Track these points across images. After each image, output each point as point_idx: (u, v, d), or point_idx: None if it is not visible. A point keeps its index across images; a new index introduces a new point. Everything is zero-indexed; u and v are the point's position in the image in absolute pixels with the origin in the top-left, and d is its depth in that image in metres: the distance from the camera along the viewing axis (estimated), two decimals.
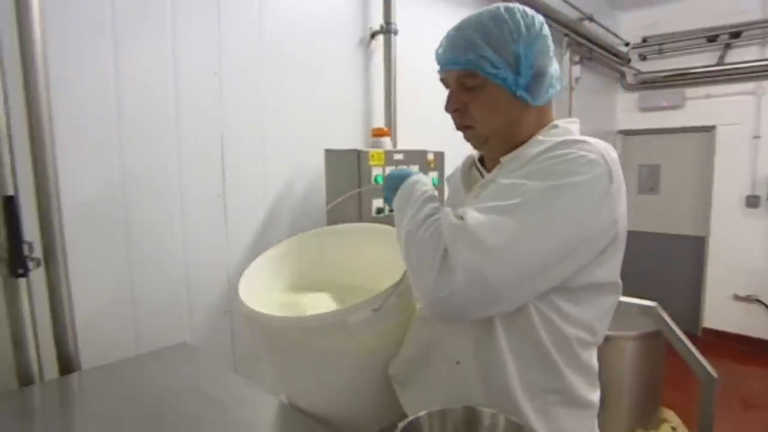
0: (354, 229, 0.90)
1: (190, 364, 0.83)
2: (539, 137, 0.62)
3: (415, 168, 1.16)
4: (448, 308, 0.53)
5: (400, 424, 0.38)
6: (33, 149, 0.77)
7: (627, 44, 2.82)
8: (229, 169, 1.04)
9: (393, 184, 0.69)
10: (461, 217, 0.54)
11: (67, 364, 0.82)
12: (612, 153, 0.59)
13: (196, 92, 0.99)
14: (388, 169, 1.14)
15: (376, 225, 0.89)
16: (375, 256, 0.82)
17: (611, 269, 0.61)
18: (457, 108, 0.64)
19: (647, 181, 3.03)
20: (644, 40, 2.85)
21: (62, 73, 0.81)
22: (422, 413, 0.41)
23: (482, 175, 0.68)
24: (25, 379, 0.77)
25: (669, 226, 2.95)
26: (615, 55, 2.68)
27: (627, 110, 3.00)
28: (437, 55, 0.64)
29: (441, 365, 0.62)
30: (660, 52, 2.81)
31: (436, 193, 0.65)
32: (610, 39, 2.63)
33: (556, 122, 0.65)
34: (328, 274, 0.86)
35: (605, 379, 0.66)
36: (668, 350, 1.47)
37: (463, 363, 0.60)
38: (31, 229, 0.76)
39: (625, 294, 0.66)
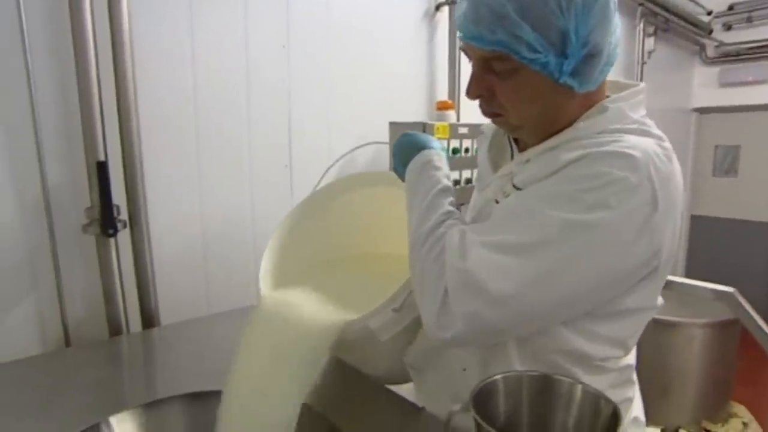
0: (381, 178, 0.77)
1: None
2: (581, 124, 0.52)
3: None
4: (450, 344, 0.49)
5: (475, 386, 0.40)
6: (120, 118, 0.83)
7: (709, 13, 2.64)
8: (295, 140, 1.08)
9: (403, 155, 0.60)
10: (464, 253, 0.46)
11: (149, 319, 0.89)
12: (664, 165, 0.48)
13: (265, 65, 1.03)
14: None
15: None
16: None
17: (648, 296, 0.53)
18: (481, 94, 0.54)
19: (723, 163, 2.86)
20: (731, 8, 2.65)
21: (144, 47, 0.87)
22: (498, 376, 0.42)
23: (512, 154, 0.59)
24: (114, 330, 0.85)
25: (748, 211, 2.78)
26: (694, 25, 2.52)
27: (704, 86, 2.82)
28: (457, 19, 0.51)
29: (447, 368, 0.60)
30: (749, 20, 2.61)
31: (449, 180, 0.57)
32: (690, 8, 2.47)
33: (606, 102, 0.52)
34: (357, 240, 0.83)
35: (670, 365, 0.62)
36: (742, 342, 1.40)
37: (469, 371, 0.57)
38: (117, 194, 0.83)
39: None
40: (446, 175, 0.57)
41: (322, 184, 0.82)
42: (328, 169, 0.85)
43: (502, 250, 0.46)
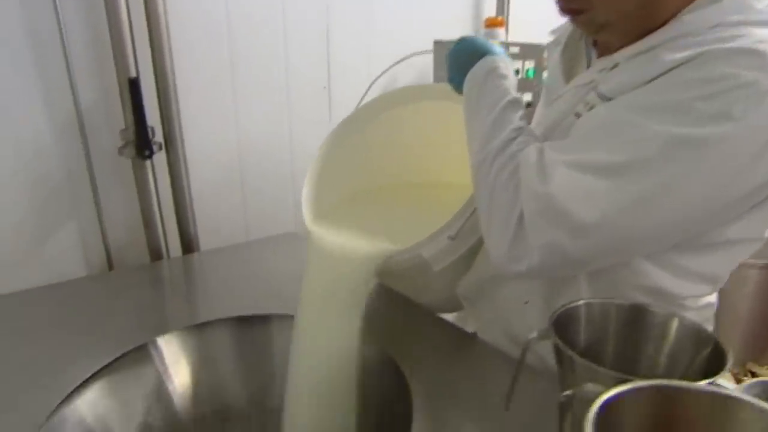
0: (432, 91, 0.70)
1: (298, 252, 0.88)
2: (688, 17, 0.42)
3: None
4: (522, 276, 0.44)
5: (554, 313, 0.37)
6: (151, 35, 0.79)
7: None
8: (334, 61, 1.03)
9: (461, 62, 0.52)
10: (544, 175, 0.39)
11: (188, 245, 0.90)
12: None
13: None
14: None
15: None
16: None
17: (756, 226, 0.45)
18: None
19: None
20: None
21: None
22: (580, 302, 0.40)
23: (589, 60, 0.52)
24: (155, 255, 0.85)
25: None
26: None
27: None
28: None
29: (505, 301, 0.56)
30: None
31: (517, 94, 0.49)
32: None
33: None
34: (403, 165, 0.78)
35: (721, 304, 0.57)
36: None
37: (531, 305, 0.53)
38: (151, 116, 0.81)
39: None
40: (514, 86, 0.50)
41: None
42: (369, 87, 0.80)
43: (590, 170, 0.39)
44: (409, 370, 0.53)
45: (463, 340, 0.61)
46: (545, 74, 0.59)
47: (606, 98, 0.44)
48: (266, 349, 0.62)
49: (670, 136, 0.38)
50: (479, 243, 0.59)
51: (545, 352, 0.51)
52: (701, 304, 0.52)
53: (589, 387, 0.30)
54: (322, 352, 0.56)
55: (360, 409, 0.56)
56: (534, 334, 0.37)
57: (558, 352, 0.36)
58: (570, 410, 0.33)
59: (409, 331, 0.62)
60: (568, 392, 0.32)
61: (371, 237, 0.63)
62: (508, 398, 0.41)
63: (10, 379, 0.53)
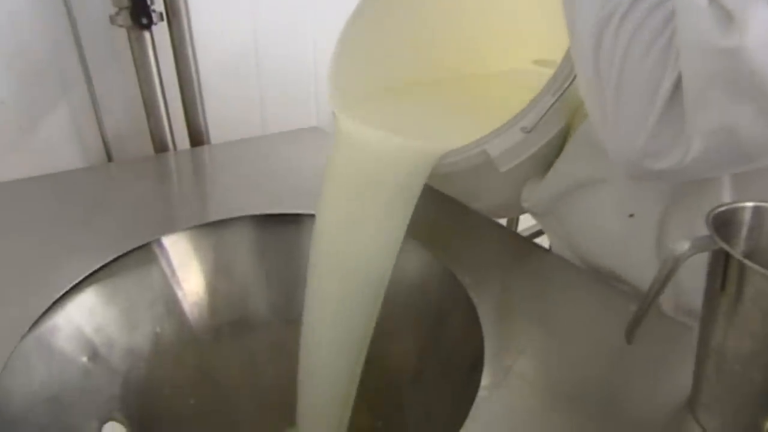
0: None
1: (323, 148, 0.78)
2: None
3: None
4: (656, 178, 0.33)
5: (710, 212, 0.28)
6: None
7: None
8: None
9: None
10: (731, 15, 0.25)
11: (197, 137, 0.80)
12: None
13: None
14: None
15: None
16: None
17: None
18: None
19: None
20: None
21: None
22: (748, 204, 0.29)
23: None
24: (159, 146, 0.76)
25: None
26: None
27: None
28: None
29: (595, 215, 0.46)
30: None
31: None
32: None
33: None
34: (449, 48, 0.66)
35: None
36: None
37: (639, 218, 0.43)
38: None
39: None
40: None
41: None
42: None
43: None
44: (469, 283, 0.44)
45: (533, 253, 0.52)
46: None
47: None
48: (291, 252, 0.54)
49: None
50: (557, 142, 0.49)
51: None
52: None
53: None
54: (354, 260, 0.48)
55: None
56: (685, 246, 0.27)
57: (714, 258, 0.27)
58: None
59: (464, 239, 0.53)
60: None
61: (416, 132, 0.52)
62: (632, 329, 0.32)
63: None
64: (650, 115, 0.30)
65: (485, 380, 0.36)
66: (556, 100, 0.44)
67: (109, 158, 0.75)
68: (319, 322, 0.49)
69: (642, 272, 0.44)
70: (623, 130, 0.32)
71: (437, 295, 0.48)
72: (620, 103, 0.32)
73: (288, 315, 0.56)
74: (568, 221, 0.49)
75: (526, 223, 0.59)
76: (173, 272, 0.52)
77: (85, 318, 0.45)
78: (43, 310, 0.41)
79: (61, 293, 0.43)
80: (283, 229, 0.54)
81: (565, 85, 0.44)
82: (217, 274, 0.54)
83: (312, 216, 0.53)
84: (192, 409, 0.51)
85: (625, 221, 0.43)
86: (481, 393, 0.35)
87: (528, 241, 0.52)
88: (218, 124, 0.82)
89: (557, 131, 0.47)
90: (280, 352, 0.56)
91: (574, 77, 0.43)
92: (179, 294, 0.52)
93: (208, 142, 0.81)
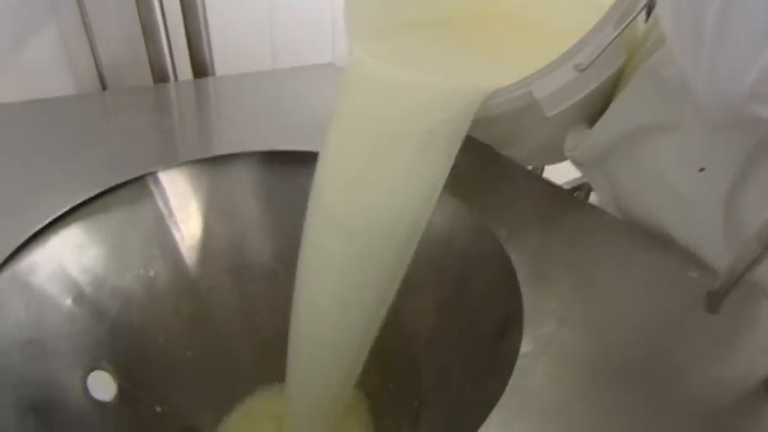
0: None
1: (336, 85, 0.72)
2: None
3: None
4: (759, 128, 0.28)
5: None
6: None
7: None
8: None
9: None
10: None
11: (200, 67, 0.74)
12: None
13: None
14: None
15: None
16: None
17: None
18: None
19: None
20: None
21: None
22: None
23: None
24: (159, 76, 0.70)
25: None
26: None
27: None
28: None
29: (663, 163, 0.40)
30: None
31: None
32: None
33: None
34: None
35: None
36: None
37: (710, 174, 0.37)
38: None
39: None
40: None
41: None
42: None
43: None
44: (504, 236, 0.40)
45: (577, 207, 0.46)
46: None
47: None
48: (301, 195, 0.49)
49: None
50: (611, 83, 0.43)
51: None
52: None
53: None
54: (372, 221, 0.41)
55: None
56: None
57: None
58: None
59: (495, 189, 0.48)
60: None
61: (449, 72, 0.46)
62: (718, 298, 0.27)
63: None
64: (762, 48, 0.24)
65: (525, 347, 0.31)
66: (619, 33, 0.37)
67: (104, 87, 0.69)
68: (318, 286, 0.43)
69: (703, 235, 0.39)
70: (726, 68, 0.26)
71: (465, 249, 0.43)
72: (724, 35, 0.26)
73: (293, 265, 0.52)
74: (621, 173, 0.44)
75: (557, 175, 0.53)
76: (170, 212, 0.47)
77: (69, 256, 0.40)
78: (20, 242, 0.37)
79: (41, 225, 0.38)
80: (293, 169, 0.49)
81: (632, 14, 0.37)
82: (218, 215, 0.49)
83: None
84: (186, 361, 0.47)
85: (692, 176, 0.37)
86: (521, 362, 0.31)
87: (570, 194, 0.47)
88: (224, 56, 0.76)
89: (615, 70, 0.41)
90: (283, 303, 0.52)
91: (645, 4, 0.37)
92: (176, 236, 0.48)
93: (213, 75, 0.74)
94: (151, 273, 0.45)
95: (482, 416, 0.28)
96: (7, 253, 0.36)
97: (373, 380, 0.51)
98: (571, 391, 0.29)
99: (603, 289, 0.37)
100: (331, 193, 0.40)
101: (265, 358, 0.53)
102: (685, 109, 0.35)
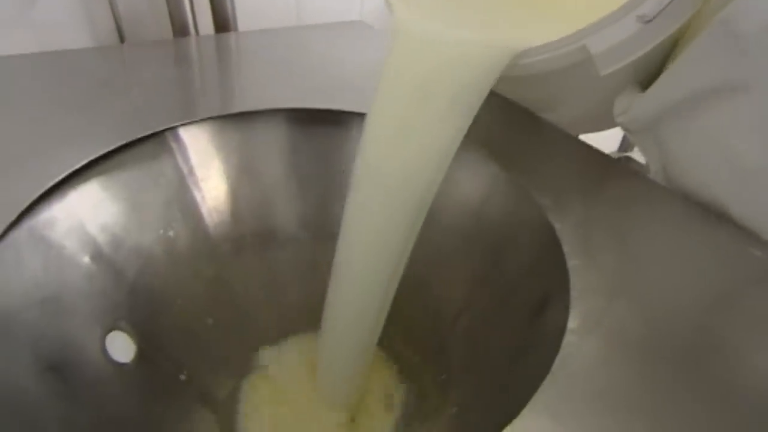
0: None
1: (364, 43, 0.69)
2: None
3: None
4: None
5: None
6: None
7: None
8: None
9: None
10: None
11: (223, 22, 0.71)
12: None
13: None
14: None
15: None
16: None
17: None
18: None
19: None
20: None
21: None
22: None
23: None
24: (179, 30, 0.68)
25: None
26: None
27: None
28: None
29: (732, 128, 0.37)
30: None
31: None
32: None
33: None
34: None
35: None
36: None
37: None
38: None
39: None
40: None
41: None
42: None
43: None
44: (548, 205, 0.37)
45: (626, 177, 0.44)
46: None
47: None
48: (329, 156, 0.47)
49: None
50: (671, 40, 0.39)
51: None
52: None
53: None
54: (401, 172, 0.40)
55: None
56: None
57: None
58: None
59: (536, 154, 0.45)
60: None
61: (483, 25, 0.43)
62: None
63: None
64: None
65: (572, 323, 0.30)
66: None
67: (122, 39, 0.67)
68: (357, 242, 0.43)
69: None
70: None
71: (503, 217, 0.41)
72: None
73: (319, 231, 0.50)
74: (676, 140, 0.41)
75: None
76: (191, 170, 0.46)
77: (87, 212, 0.39)
78: (38, 195, 0.35)
79: (59, 178, 0.37)
80: (322, 128, 0.47)
81: None
82: (242, 175, 0.48)
83: (358, 115, 0.46)
84: (206, 326, 0.46)
85: (763, 145, 0.35)
86: (568, 339, 0.29)
87: (619, 162, 0.44)
88: (247, 11, 0.73)
89: (682, 24, 0.37)
90: (308, 271, 0.51)
91: None
92: (197, 196, 0.46)
93: (235, 30, 0.72)
94: (171, 233, 0.44)
95: (525, 396, 0.26)
96: (24, 206, 0.35)
97: (400, 350, 0.50)
98: (622, 372, 0.28)
99: (656, 264, 0.35)
100: (374, 147, 0.39)
101: (286, 328, 0.52)
102: (761, 68, 0.32)
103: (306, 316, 0.48)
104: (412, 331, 0.49)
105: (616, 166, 0.44)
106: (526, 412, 0.25)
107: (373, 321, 0.43)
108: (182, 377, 0.44)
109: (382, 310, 0.43)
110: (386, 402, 0.49)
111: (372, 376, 0.49)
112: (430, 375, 0.46)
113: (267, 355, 0.51)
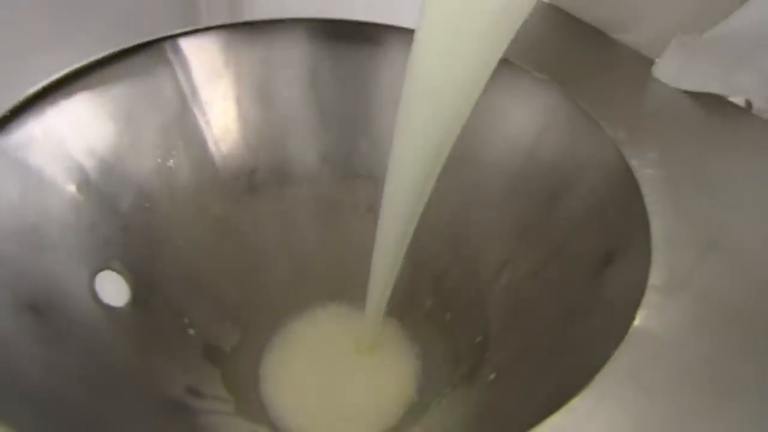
0: None
1: None
2: None
3: None
4: None
5: None
6: None
7: None
8: None
9: None
10: None
11: None
12: None
13: None
14: None
15: None
16: None
17: None
18: None
19: None
20: None
21: None
22: None
23: None
24: None
25: None
26: None
27: None
28: None
29: None
30: None
31: None
32: None
33: None
34: None
35: None
36: None
37: None
38: None
39: None
40: None
41: None
42: None
43: None
44: (623, 139, 0.32)
45: (720, 110, 0.38)
46: None
47: None
48: (357, 79, 0.42)
49: None
50: None
51: None
52: None
53: None
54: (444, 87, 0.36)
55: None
56: None
57: None
58: None
59: (609, 82, 0.40)
60: None
61: None
62: None
63: None
64: None
65: (655, 279, 0.25)
66: None
67: None
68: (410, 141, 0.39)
69: None
70: None
71: (564, 151, 0.36)
72: None
73: (343, 168, 0.46)
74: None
75: None
76: (193, 90, 0.41)
77: (70, 132, 0.35)
78: (9, 108, 0.32)
79: (35, 89, 0.33)
80: (349, 45, 0.42)
81: None
82: (254, 99, 0.43)
83: (392, 29, 0.41)
84: (211, 272, 0.43)
85: None
86: (649, 297, 0.24)
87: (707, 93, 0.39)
88: None
89: None
90: (329, 214, 0.47)
91: None
92: (201, 122, 0.42)
93: None
94: (170, 163, 0.40)
95: (592, 362, 0.22)
96: None
97: (426, 306, 0.46)
98: (718, 338, 0.23)
99: (756, 211, 0.30)
100: (424, 59, 0.35)
101: (301, 277, 0.49)
102: None
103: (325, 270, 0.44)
104: (442, 285, 0.45)
105: (705, 96, 0.38)
106: (602, 381, 0.20)
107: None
108: (185, 327, 0.41)
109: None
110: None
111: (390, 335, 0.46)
112: (464, 337, 0.43)
113: (280, 306, 0.48)
